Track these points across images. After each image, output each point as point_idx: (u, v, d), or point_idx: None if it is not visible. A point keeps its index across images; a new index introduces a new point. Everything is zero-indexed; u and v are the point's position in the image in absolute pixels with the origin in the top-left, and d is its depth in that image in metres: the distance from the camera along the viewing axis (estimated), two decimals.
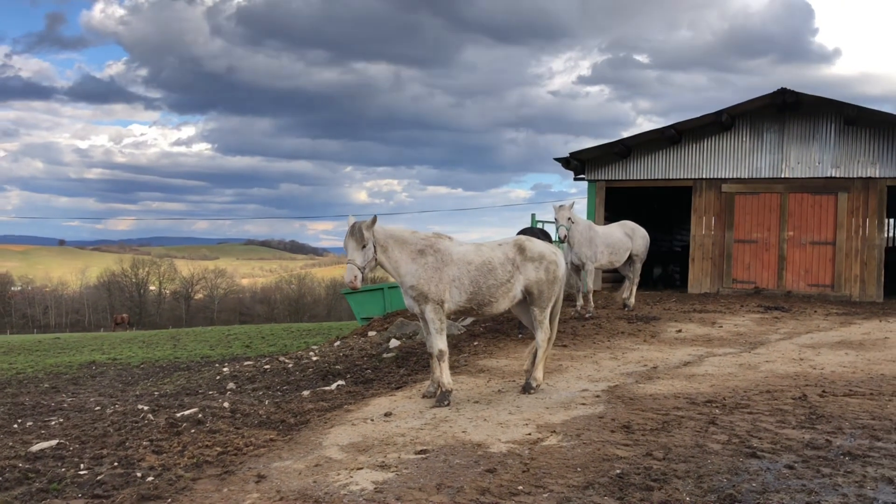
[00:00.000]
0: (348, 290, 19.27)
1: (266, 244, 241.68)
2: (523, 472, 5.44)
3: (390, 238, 7.49)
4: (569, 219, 13.31)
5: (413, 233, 7.71)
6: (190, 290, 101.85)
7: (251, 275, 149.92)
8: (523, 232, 12.90)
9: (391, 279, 8.12)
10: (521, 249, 7.98)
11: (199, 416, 7.70)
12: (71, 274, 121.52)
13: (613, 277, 20.20)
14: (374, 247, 7.33)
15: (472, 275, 7.68)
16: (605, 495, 4.95)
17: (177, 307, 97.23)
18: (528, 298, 8.01)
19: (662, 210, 27.43)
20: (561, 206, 13.42)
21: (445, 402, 7.50)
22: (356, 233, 7.27)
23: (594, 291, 19.21)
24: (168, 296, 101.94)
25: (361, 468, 5.64)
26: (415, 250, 7.56)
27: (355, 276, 7.22)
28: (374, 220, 7.38)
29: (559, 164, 21.34)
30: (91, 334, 43.79)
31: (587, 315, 13.77)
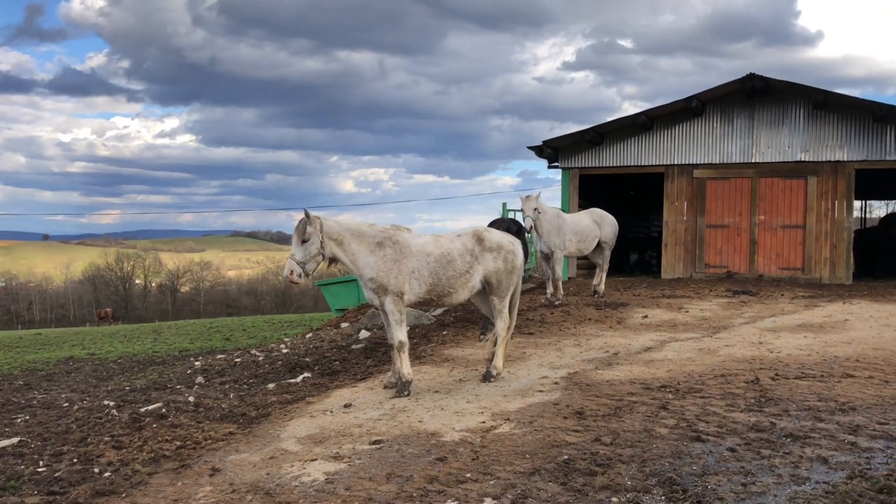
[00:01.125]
0: (323, 281, 19.29)
1: (252, 235, 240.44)
2: (473, 459, 5.52)
3: (346, 231, 7.55)
4: (535, 209, 13.34)
5: (371, 225, 7.77)
6: (176, 283, 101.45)
7: (238, 266, 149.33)
8: (494, 223, 12.91)
9: None
10: (479, 240, 8.05)
11: (163, 410, 7.74)
12: (55, 269, 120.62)
13: (588, 264, 20.34)
14: (322, 242, 7.39)
15: (431, 266, 7.74)
16: (549, 481, 5.04)
17: (163, 300, 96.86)
18: (488, 288, 8.09)
19: (639, 196, 27.61)
20: (527, 197, 13.44)
21: (405, 393, 7.58)
22: (298, 228, 7.36)
23: (569, 279, 19.39)
24: (154, 289, 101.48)
25: (315, 459, 5.71)
26: (373, 243, 7.61)
27: (292, 271, 7.32)
28: (306, 214, 7.39)
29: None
30: (73, 329, 43.57)
31: (557, 303, 13.87)
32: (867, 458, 5.26)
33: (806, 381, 7.68)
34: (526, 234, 13.42)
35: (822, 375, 7.90)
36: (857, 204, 32.94)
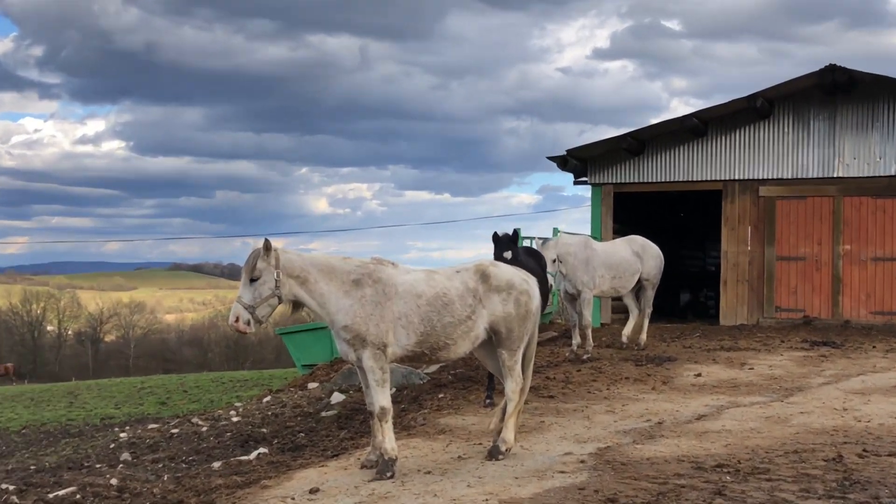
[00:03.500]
0: (285, 329, 19.33)
1: (197, 269, 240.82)
2: None
3: (312, 267, 7.57)
4: (554, 260, 13.12)
5: (344, 259, 7.80)
6: (98, 330, 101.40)
7: (178, 309, 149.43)
8: (497, 248, 12.37)
9: None
10: (484, 277, 8.05)
11: (78, 496, 7.76)
12: None
13: (626, 307, 20.37)
14: (278, 280, 7.40)
15: (422, 311, 7.75)
16: None
17: (82, 353, 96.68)
18: (495, 339, 8.08)
19: (690, 220, 27.70)
20: (544, 244, 13.34)
21: (388, 474, 7.55)
22: (247, 263, 7.39)
23: (601, 325, 19.40)
24: (70, 338, 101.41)
25: None
26: (348, 281, 7.62)
27: (238, 317, 7.32)
28: (266, 246, 7.39)
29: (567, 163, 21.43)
30: None
31: (585, 356, 13.86)
32: None
33: None
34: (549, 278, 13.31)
35: None
36: None
